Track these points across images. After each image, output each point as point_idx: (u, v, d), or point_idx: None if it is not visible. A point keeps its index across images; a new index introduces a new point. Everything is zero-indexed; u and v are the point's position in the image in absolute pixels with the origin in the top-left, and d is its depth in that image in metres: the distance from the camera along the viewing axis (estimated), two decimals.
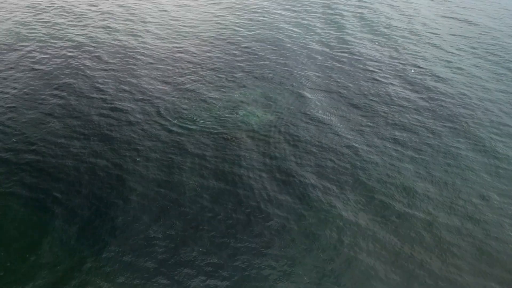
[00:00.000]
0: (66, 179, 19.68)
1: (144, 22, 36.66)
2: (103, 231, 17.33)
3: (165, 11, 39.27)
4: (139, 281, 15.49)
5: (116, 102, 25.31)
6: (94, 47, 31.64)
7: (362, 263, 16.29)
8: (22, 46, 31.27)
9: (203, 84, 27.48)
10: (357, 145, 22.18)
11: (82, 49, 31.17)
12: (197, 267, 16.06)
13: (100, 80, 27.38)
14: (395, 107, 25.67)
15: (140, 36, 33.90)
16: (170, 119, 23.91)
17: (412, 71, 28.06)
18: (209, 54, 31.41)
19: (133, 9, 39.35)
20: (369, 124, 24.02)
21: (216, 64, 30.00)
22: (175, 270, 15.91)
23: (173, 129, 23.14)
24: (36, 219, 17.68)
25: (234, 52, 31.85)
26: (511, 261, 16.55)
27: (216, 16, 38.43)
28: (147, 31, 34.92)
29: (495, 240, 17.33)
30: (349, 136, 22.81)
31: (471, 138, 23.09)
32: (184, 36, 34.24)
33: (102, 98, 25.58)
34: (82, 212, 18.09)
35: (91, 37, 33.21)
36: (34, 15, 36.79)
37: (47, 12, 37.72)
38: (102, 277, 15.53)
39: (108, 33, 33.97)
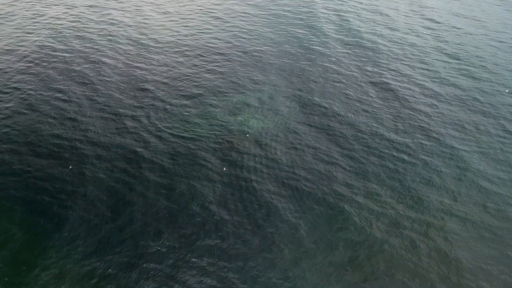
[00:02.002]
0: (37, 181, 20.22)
1: (137, 26, 36.76)
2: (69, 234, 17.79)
3: (155, 15, 39.27)
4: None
5: (107, 108, 25.39)
6: (89, 51, 31.70)
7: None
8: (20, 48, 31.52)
9: (200, 89, 27.57)
10: (345, 159, 22.24)
11: (70, 55, 31.22)
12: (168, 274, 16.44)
13: (92, 86, 27.51)
14: (391, 121, 25.77)
15: (132, 40, 34.02)
16: (166, 126, 23.97)
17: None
18: (204, 59, 31.45)
19: (126, 13, 39.42)
20: (362, 137, 24.00)
21: (211, 69, 30.03)
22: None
23: (168, 136, 23.24)
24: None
25: (231, 56, 31.88)
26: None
27: (210, 21, 38.44)
28: (139, 34, 34.99)
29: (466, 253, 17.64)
30: (339, 152, 22.76)
31: (452, 153, 23.15)
32: (178, 41, 34.27)
33: (95, 105, 25.71)
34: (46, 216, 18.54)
35: (85, 41, 33.30)
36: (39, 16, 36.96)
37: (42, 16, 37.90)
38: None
39: (109, 40, 34.02)
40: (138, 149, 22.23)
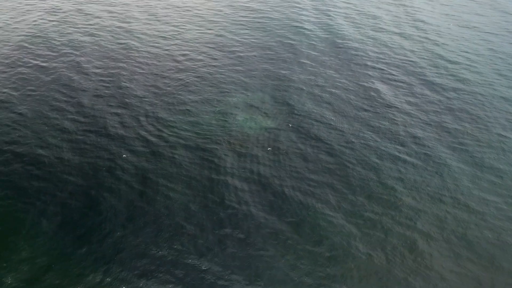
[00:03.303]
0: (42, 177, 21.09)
1: (132, 23, 37.37)
2: (78, 232, 18.56)
3: (154, 15, 39.76)
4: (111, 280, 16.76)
5: (105, 110, 26.17)
6: (75, 51, 32.27)
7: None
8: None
9: (198, 89, 28.33)
10: (346, 161, 23.16)
11: (62, 54, 31.81)
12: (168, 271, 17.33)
13: (81, 87, 28.17)
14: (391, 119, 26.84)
15: (128, 40, 34.62)
16: (163, 127, 24.75)
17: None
18: (204, 59, 32.18)
19: (120, 13, 40.00)
20: (363, 137, 25.01)
21: (211, 70, 30.78)
22: (143, 268, 17.18)
23: (166, 137, 24.06)
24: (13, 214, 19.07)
25: (231, 56, 32.60)
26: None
27: (209, 21, 39.09)
28: (136, 34, 35.57)
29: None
30: (340, 152, 23.76)
31: (434, 156, 24.23)
32: (175, 41, 34.87)
33: (87, 107, 26.48)
34: (59, 210, 19.38)
35: (74, 40, 33.82)
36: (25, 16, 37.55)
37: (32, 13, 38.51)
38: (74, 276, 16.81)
39: (91, 37, 34.49)
40: (136, 150, 23.07)
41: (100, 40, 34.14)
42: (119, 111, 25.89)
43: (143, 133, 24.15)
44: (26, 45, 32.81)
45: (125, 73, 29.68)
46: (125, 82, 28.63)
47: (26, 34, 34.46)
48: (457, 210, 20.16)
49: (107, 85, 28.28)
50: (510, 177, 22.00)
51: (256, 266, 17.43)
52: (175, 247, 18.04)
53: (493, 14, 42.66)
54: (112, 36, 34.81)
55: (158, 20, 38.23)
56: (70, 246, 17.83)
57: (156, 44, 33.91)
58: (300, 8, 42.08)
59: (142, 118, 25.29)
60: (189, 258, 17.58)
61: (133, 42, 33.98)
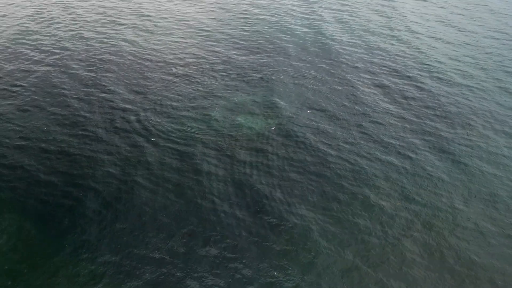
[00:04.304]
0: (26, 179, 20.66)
1: (124, 25, 36.75)
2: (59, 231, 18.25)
3: (146, 17, 39.32)
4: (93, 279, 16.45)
5: (104, 113, 25.57)
6: (63, 53, 31.57)
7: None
8: None
9: (196, 88, 27.91)
10: (346, 164, 22.77)
11: (49, 55, 31.10)
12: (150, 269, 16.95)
13: (69, 88, 27.51)
14: (388, 124, 26.63)
15: (120, 41, 33.99)
16: (164, 128, 24.27)
17: None
18: (201, 61, 31.79)
19: (111, 14, 39.34)
20: (354, 141, 24.63)
21: (207, 72, 30.40)
22: (129, 268, 16.93)
23: (159, 140, 23.55)
24: None
25: (227, 59, 32.29)
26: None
27: (203, 23, 38.74)
28: (128, 36, 35.02)
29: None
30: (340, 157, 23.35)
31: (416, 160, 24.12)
32: (169, 43, 34.41)
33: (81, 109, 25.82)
34: (39, 211, 19.06)
35: (62, 42, 33.09)
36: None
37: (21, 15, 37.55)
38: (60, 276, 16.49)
39: (79, 38, 33.84)
40: (138, 151, 22.60)
41: (90, 41, 33.47)
42: (110, 112, 25.29)
43: (134, 135, 23.61)
44: (11, 45, 31.92)
45: (116, 75, 29.08)
46: (116, 85, 28.00)
47: (13, 33, 33.54)
48: (444, 214, 19.86)
49: (97, 88, 27.58)
50: (501, 181, 21.78)
51: (239, 269, 17.05)
52: (157, 247, 17.68)
53: (487, 16, 43.19)
54: (104, 37, 34.17)
55: (150, 23, 37.71)
56: (53, 243, 17.55)
57: (149, 46, 33.37)
58: (294, 11, 42.00)
59: (133, 121, 24.74)
60: (172, 259, 17.22)
61: (124, 44, 33.39)
